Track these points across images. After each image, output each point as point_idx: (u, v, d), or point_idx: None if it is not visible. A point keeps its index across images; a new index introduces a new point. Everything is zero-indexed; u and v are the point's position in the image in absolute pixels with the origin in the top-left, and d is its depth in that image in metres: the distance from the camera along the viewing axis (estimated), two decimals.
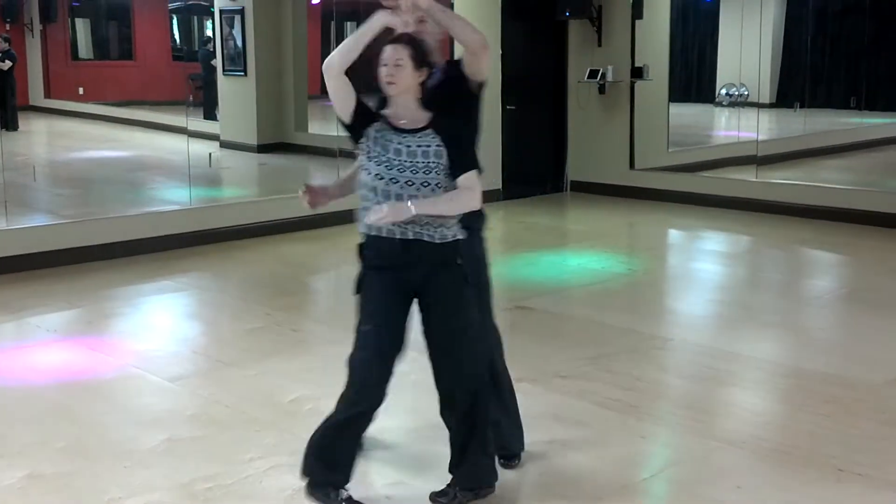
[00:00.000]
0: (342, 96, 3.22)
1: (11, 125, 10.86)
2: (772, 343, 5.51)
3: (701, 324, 5.97)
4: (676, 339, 5.50)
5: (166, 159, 10.92)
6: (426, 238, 3.20)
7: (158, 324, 6.05)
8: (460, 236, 3.29)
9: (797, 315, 6.15)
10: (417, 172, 3.15)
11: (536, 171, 10.48)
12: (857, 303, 6.29)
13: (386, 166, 3.16)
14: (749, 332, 5.66)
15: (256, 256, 7.47)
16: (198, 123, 10.82)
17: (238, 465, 3.73)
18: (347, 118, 3.23)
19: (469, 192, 3.19)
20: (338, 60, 3.19)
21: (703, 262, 7.90)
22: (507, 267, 7.23)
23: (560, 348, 5.25)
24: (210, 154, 10.26)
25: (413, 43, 3.22)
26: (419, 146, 3.19)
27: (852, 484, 3.57)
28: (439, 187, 3.19)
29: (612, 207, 9.68)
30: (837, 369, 4.86)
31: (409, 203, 3.09)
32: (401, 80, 3.18)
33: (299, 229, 8.11)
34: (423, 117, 3.25)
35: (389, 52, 3.20)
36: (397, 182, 3.16)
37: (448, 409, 3.38)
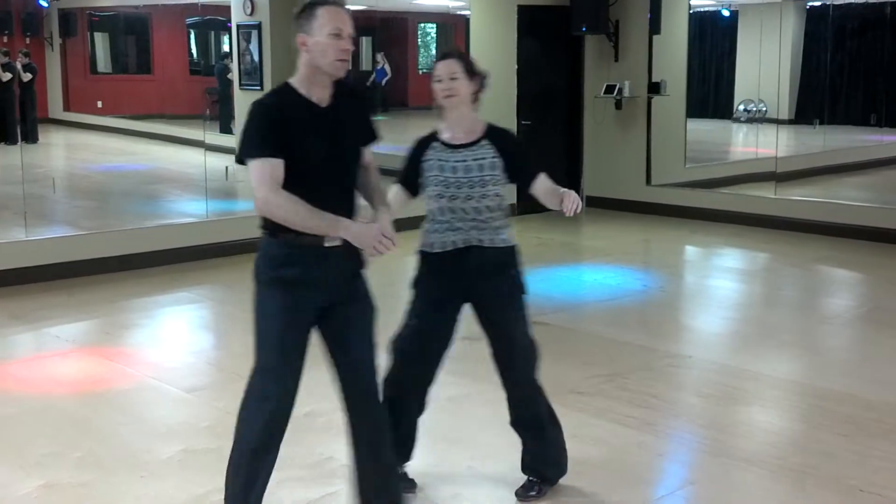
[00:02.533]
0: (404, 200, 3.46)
1: (31, 138, 10.95)
2: (789, 362, 5.47)
3: (718, 342, 5.93)
4: (693, 356, 5.46)
5: (183, 172, 10.98)
6: (485, 243, 3.37)
7: (175, 335, 6.07)
8: (514, 242, 3.44)
9: (815, 334, 6.11)
10: (474, 187, 3.33)
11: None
12: (876, 322, 6.24)
13: (444, 186, 3.34)
14: (767, 351, 5.61)
15: None
16: (214, 137, 10.88)
17: None
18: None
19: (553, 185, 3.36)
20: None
21: (720, 279, 7.85)
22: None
23: (576, 365, 5.23)
24: (226, 167, 10.31)
25: (461, 56, 3.38)
26: (475, 160, 3.35)
27: None
28: (498, 197, 3.38)
29: (628, 223, 9.66)
30: (856, 389, 4.81)
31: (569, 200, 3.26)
32: (458, 92, 3.33)
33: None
34: (478, 128, 3.41)
35: (443, 68, 3.33)
36: (457, 198, 3.34)
37: (516, 406, 3.55)
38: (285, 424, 3.06)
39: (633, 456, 4.01)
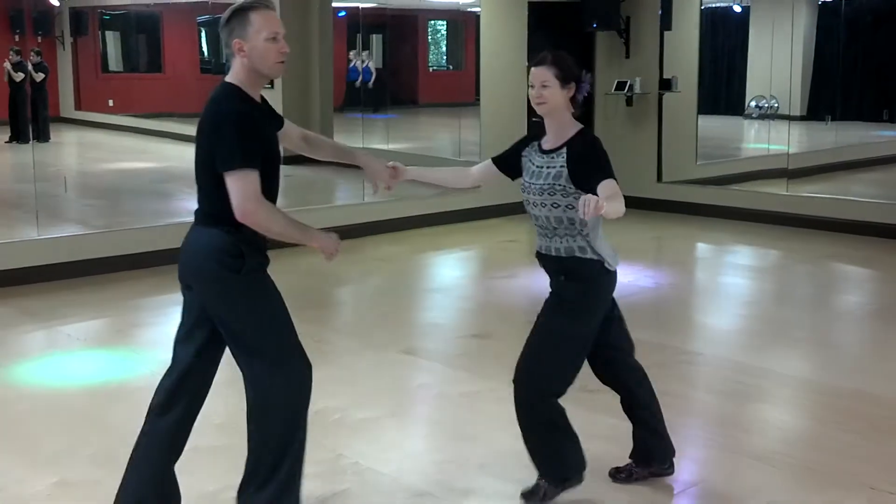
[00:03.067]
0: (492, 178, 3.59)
1: (43, 137, 11.00)
2: (802, 359, 5.45)
3: (730, 339, 5.91)
4: (705, 353, 5.45)
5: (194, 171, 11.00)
6: (543, 250, 3.42)
7: None
8: (579, 254, 3.33)
9: (827, 331, 6.08)
10: (538, 194, 3.33)
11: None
12: (888, 319, 6.20)
13: (523, 189, 3.41)
14: (778, 348, 5.59)
15: (281, 268, 7.43)
16: None
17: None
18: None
19: (616, 198, 3.10)
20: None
21: (731, 276, 7.83)
22: (533, 280, 7.20)
23: (586, 362, 5.20)
24: None
25: (557, 62, 3.31)
26: (548, 167, 3.33)
27: (884, 502, 3.51)
28: (562, 208, 3.28)
29: (639, 220, 9.62)
30: (868, 386, 4.79)
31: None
32: (549, 99, 3.30)
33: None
34: (568, 134, 3.35)
35: (535, 74, 3.31)
36: (529, 203, 3.39)
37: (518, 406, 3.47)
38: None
39: None
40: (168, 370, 3.25)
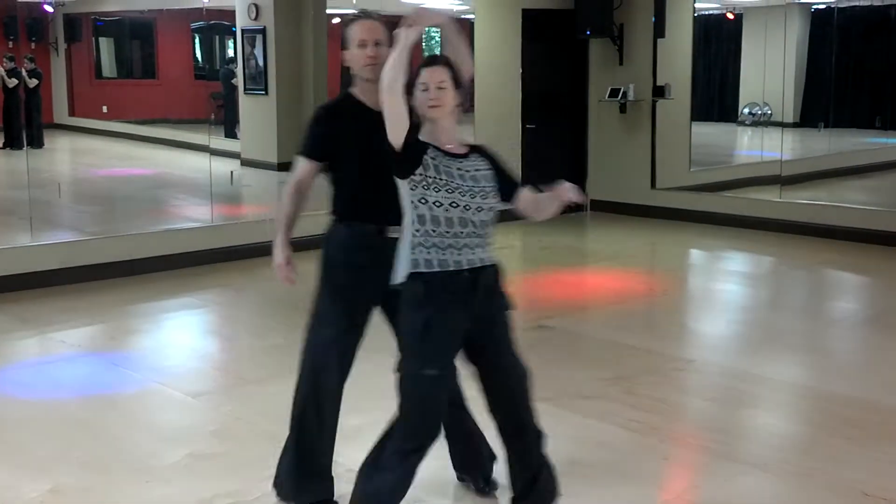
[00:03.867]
0: (400, 119, 2.97)
1: (37, 143, 10.99)
2: (795, 365, 5.46)
3: (723, 345, 5.92)
4: (698, 360, 5.46)
5: (188, 177, 11.00)
6: (487, 262, 3.09)
7: (180, 340, 6.07)
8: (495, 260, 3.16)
9: (821, 337, 6.10)
10: (475, 197, 3.03)
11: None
12: (882, 325, 6.22)
13: (459, 193, 3.00)
14: (772, 354, 5.60)
15: (271, 273, 7.46)
16: (219, 142, 10.90)
17: (259, 481, 3.72)
18: (400, 144, 2.97)
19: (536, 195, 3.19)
20: (395, 76, 2.95)
21: (725, 282, 7.84)
22: (527, 286, 7.22)
23: (581, 369, 5.22)
24: (231, 172, 10.32)
25: (449, 64, 3.10)
26: (476, 169, 3.09)
27: None
28: (491, 211, 3.09)
29: (632, 227, 9.65)
30: (861, 392, 4.80)
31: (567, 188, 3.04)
32: (446, 102, 3.05)
33: (319, 247, 8.13)
34: (463, 139, 3.16)
35: (429, 75, 3.03)
36: (469, 208, 3.02)
37: (515, 440, 3.24)
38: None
39: (638, 459, 4.00)
40: None
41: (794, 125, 11.50)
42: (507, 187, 3.15)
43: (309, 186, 3.42)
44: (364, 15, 3.38)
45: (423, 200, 3.00)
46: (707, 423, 4.49)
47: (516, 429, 3.23)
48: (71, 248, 7.33)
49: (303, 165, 3.38)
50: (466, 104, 3.41)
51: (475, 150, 3.18)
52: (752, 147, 12.22)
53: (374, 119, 3.05)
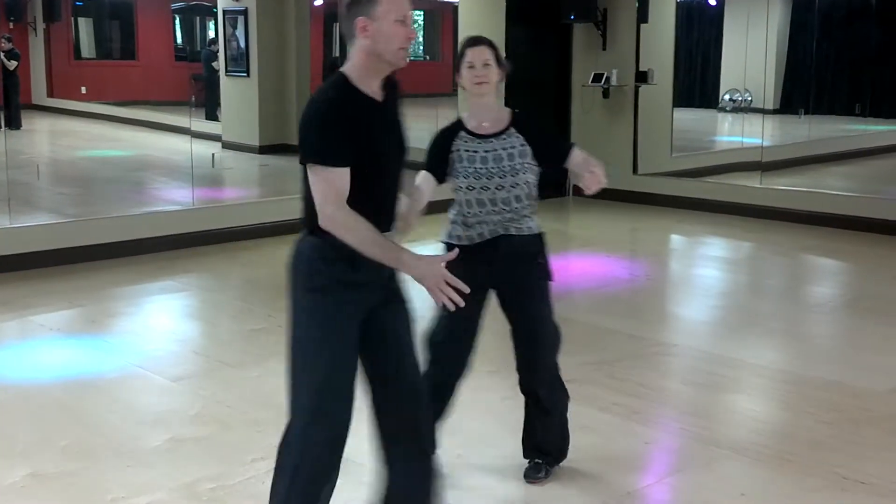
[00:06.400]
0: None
1: (15, 124, 10.88)
2: (775, 350, 5.50)
3: (704, 330, 5.96)
4: (680, 344, 5.49)
5: (169, 159, 10.93)
6: (513, 231, 3.36)
7: (161, 324, 6.04)
8: (541, 230, 3.43)
9: (801, 322, 6.14)
10: (505, 176, 3.31)
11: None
12: (861, 310, 6.28)
13: (475, 177, 3.31)
14: (752, 339, 5.65)
15: (258, 257, 7.46)
16: (200, 124, 10.83)
17: (241, 465, 3.72)
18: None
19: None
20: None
21: (706, 267, 7.89)
22: None
23: (563, 353, 5.21)
24: (213, 154, 10.27)
25: (491, 43, 3.35)
26: (504, 149, 3.33)
27: (857, 492, 3.56)
28: (528, 185, 3.36)
29: (615, 212, 9.67)
30: (841, 377, 4.85)
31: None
32: (491, 79, 3.31)
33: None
34: (505, 116, 3.39)
35: (476, 54, 3.31)
36: (488, 189, 3.32)
37: (533, 390, 3.53)
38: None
39: (620, 444, 4.03)
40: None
41: (775, 112, 11.56)
42: (551, 152, 3.40)
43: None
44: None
45: (458, 187, 3.36)
46: (688, 407, 4.52)
47: (529, 393, 3.55)
48: (50, 231, 7.27)
49: (341, 175, 2.58)
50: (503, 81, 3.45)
51: (514, 123, 3.37)
52: (733, 133, 12.27)
53: (380, 113, 2.69)
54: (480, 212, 3.34)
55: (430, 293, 2.58)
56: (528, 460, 3.65)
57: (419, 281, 2.57)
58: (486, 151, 3.33)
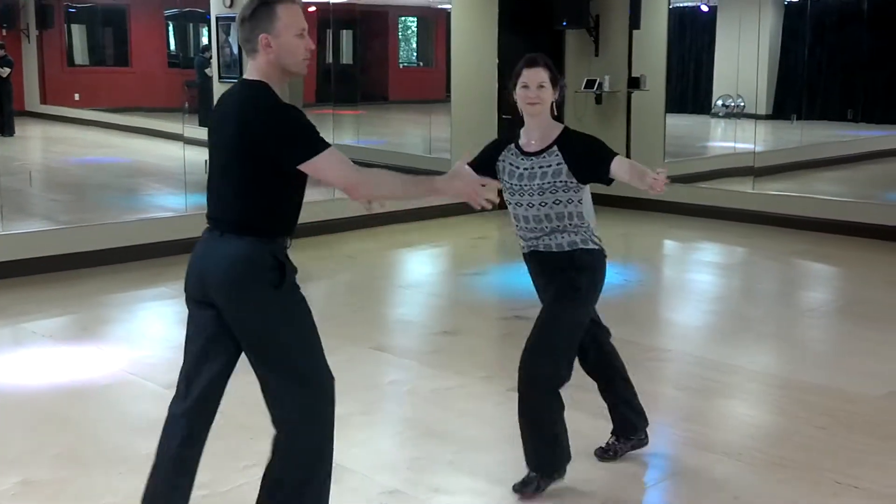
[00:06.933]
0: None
1: (7, 131, 10.86)
2: (768, 355, 5.51)
3: (697, 335, 5.97)
4: (673, 350, 5.49)
5: (162, 166, 10.91)
6: (542, 248, 3.47)
7: (153, 330, 6.03)
8: (582, 245, 3.45)
9: (793, 327, 6.16)
10: (534, 195, 3.39)
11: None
12: (853, 315, 6.29)
13: (510, 192, 3.45)
14: (745, 344, 5.66)
15: None
16: (194, 130, 10.81)
17: (232, 472, 3.71)
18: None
19: (632, 164, 3.33)
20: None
21: (698, 272, 7.90)
22: (503, 276, 7.24)
23: None
24: (206, 161, 10.25)
25: (548, 64, 3.40)
26: (540, 167, 3.39)
27: (849, 497, 3.56)
28: (563, 203, 3.40)
29: (607, 218, 9.62)
30: (833, 382, 4.86)
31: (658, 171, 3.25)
32: (545, 100, 3.38)
33: (293, 237, 8.10)
34: (553, 134, 3.42)
35: (532, 76, 3.36)
36: (521, 206, 3.45)
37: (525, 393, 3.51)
38: None
39: None
40: (179, 394, 3.03)
41: (767, 117, 11.58)
42: (590, 172, 3.39)
43: None
44: None
45: (508, 202, 3.51)
46: (681, 412, 4.52)
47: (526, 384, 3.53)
48: (43, 238, 7.26)
49: (340, 154, 2.82)
50: (560, 99, 3.48)
51: (559, 141, 3.40)
52: (726, 139, 12.29)
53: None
54: (518, 226, 3.50)
55: (471, 202, 2.85)
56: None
57: (459, 197, 2.87)
58: (524, 168, 3.41)
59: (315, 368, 2.92)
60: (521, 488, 3.53)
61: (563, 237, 3.43)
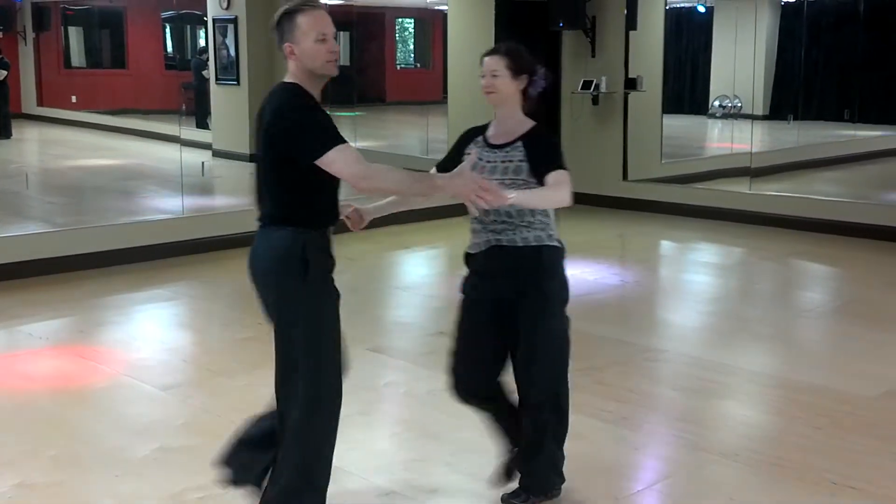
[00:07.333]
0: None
1: (4, 133, 10.86)
2: (764, 355, 5.51)
3: (693, 336, 5.97)
4: (670, 350, 5.49)
5: (158, 168, 10.91)
6: (505, 242, 3.26)
7: (150, 333, 6.02)
8: (547, 242, 3.28)
9: (790, 327, 6.16)
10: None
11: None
12: (849, 316, 6.30)
13: None
14: (742, 345, 5.66)
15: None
16: (190, 132, 10.81)
17: None
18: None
19: (558, 188, 3.12)
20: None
21: (695, 273, 7.90)
22: None
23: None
24: (203, 163, 10.25)
25: (509, 53, 3.26)
26: (503, 161, 3.25)
27: (846, 497, 3.56)
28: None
29: (604, 219, 9.69)
30: (830, 382, 4.86)
31: (509, 193, 3.04)
32: (499, 89, 3.23)
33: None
34: (521, 129, 3.28)
35: (486, 63, 3.26)
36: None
37: (524, 411, 3.41)
38: None
39: (610, 450, 4.03)
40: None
41: (764, 118, 11.60)
42: (537, 170, 3.20)
43: None
44: (313, 5, 3.01)
45: None
46: (678, 413, 4.52)
47: (523, 402, 3.41)
48: (39, 240, 7.25)
49: (351, 149, 2.91)
50: (535, 94, 3.31)
51: (525, 137, 3.25)
52: (723, 139, 12.31)
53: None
54: (482, 219, 3.28)
55: (468, 203, 2.92)
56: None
57: (458, 196, 2.92)
58: (487, 161, 3.27)
59: (317, 373, 2.99)
60: (509, 499, 3.43)
61: (528, 232, 3.26)
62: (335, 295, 3.06)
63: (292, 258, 2.93)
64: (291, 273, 2.94)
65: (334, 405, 3.06)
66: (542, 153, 3.22)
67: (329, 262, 3.04)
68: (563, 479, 3.48)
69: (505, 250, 3.28)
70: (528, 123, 3.31)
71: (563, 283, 3.37)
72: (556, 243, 3.33)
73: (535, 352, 3.31)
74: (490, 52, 3.29)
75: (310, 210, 2.98)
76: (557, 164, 3.18)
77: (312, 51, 2.95)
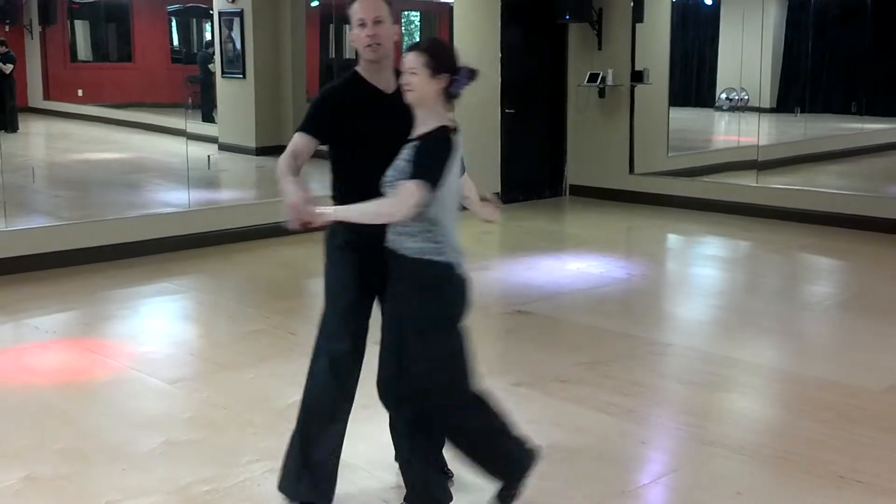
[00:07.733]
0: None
1: (10, 127, 10.86)
2: (771, 349, 5.50)
3: (700, 329, 5.96)
4: (676, 344, 5.49)
5: (165, 162, 10.91)
6: (390, 245, 3.11)
7: (156, 326, 6.03)
8: (430, 256, 3.05)
9: (796, 321, 6.14)
10: (386, 187, 3.04)
11: (535, 175, 10.47)
12: (856, 309, 6.28)
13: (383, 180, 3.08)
14: (748, 338, 5.65)
15: (255, 259, 7.45)
16: (196, 126, 10.80)
17: (236, 467, 3.72)
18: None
19: (387, 202, 2.98)
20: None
21: (702, 267, 7.89)
22: (505, 271, 7.23)
23: (558, 353, 5.24)
24: (209, 156, 10.25)
25: (429, 49, 3.09)
26: (402, 160, 3.05)
27: (852, 491, 3.55)
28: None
29: (611, 212, 9.67)
30: (837, 375, 4.85)
31: (328, 208, 3.01)
32: (416, 86, 3.05)
33: (297, 233, 8.09)
34: (427, 128, 3.09)
35: (406, 60, 3.08)
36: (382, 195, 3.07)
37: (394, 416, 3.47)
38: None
39: (616, 444, 4.02)
40: None
41: (771, 110, 11.55)
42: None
43: (303, 158, 3.12)
44: None
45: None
46: (684, 406, 4.52)
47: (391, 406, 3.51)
48: (46, 234, 7.26)
49: (298, 138, 3.13)
50: (457, 93, 3.17)
51: (422, 138, 3.07)
52: (730, 132, 12.26)
53: (381, 101, 3.19)
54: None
55: (290, 218, 2.99)
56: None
57: (285, 209, 3.03)
58: (397, 157, 3.07)
59: (325, 323, 3.33)
60: (502, 498, 3.34)
61: (412, 242, 3.05)
62: (352, 265, 3.27)
63: (331, 228, 3.26)
64: (327, 239, 3.32)
65: (318, 366, 3.35)
66: (416, 158, 3.00)
67: (350, 236, 3.22)
68: (530, 460, 3.32)
69: (391, 253, 3.12)
70: (436, 123, 3.09)
71: (445, 301, 3.14)
72: (441, 258, 3.07)
73: (405, 369, 3.31)
74: (410, 49, 3.09)
75: (339, 185, 3.27)
76: (417, 173, 2.96)
77: (355, 36, 3.17)
